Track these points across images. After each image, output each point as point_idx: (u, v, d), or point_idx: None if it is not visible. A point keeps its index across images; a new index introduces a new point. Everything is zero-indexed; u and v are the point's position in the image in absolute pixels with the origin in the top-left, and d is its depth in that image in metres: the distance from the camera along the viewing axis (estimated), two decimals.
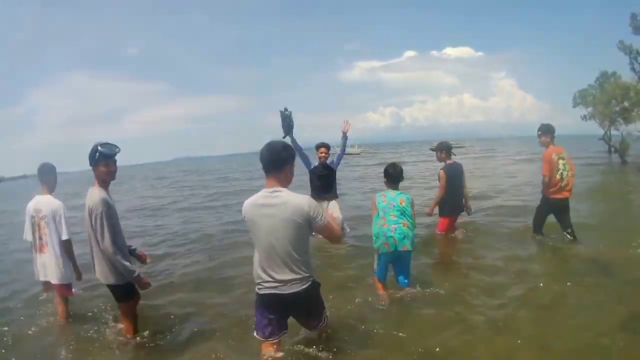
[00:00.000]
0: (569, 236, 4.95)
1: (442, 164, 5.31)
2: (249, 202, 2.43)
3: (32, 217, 3.58)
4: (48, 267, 3.57)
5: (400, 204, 3.52)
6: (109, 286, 3.01)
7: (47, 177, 3.63)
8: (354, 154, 43.60)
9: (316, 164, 5.59)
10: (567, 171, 4.84)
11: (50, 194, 3.61)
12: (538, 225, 5.19)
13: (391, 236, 3.46)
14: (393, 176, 3.68)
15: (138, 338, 3.14)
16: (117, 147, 2.94)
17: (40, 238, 3.56)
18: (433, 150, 5.48)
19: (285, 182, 2.42)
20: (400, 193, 3.61)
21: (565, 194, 4.89)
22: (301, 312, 2.57)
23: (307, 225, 2.35)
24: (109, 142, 2.92)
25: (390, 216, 3.49)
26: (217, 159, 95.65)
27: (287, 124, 5.00)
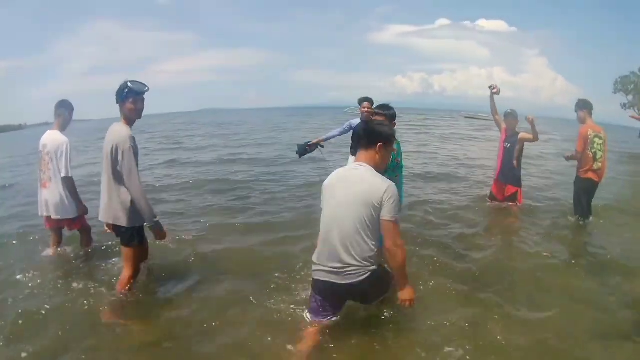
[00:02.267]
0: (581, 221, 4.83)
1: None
2: (335, 172, 2.35)
3: (40, 151, 3.55)
4: (49, 202, 3.53)
5: (394, 159, 3.32)
6: (115, 227, 2.83)
7: (61, 111, 3.57)
8: None
9: (358, 120, 5.19)
10: (602, 152, 4.63)
11: (61, 131, 3.55)
12: (580, 210, 4.87)
13: None
14: (389, 116, 3.38)
15: (133, 289, 2.96)
16: (146, 86, 2.82)
17: (44, 173, 3.53)
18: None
19: (373, 161, 2.26)
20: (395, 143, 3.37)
21: (593, 176, 4.68)
22: (356, 299, 2.41)
23: (378, 211, 2.14)
24: (138, 80, 2.81)
25: (396, 176, 3.32)
26: (245, 112, 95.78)
27: (302, 151, 5.29)
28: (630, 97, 30.87)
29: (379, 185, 2.15)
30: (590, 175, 4.69)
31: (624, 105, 31.26)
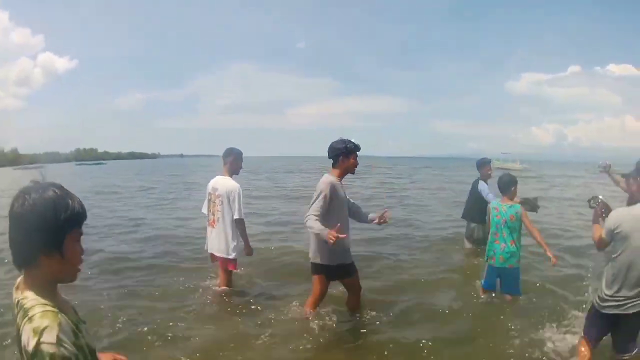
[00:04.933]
0: None
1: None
2: (628, 213, 2.46)
3: (209, 194, 3.92)
4: (215, 240, 3.90)
5: (511, 220, 3.74)
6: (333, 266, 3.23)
7: (228, 159, 3.92)
8: (515, 170, 34.02)
9: (483, 184, 5.20)
10: None
11: (231, 176, 3.91)
12: None
13: (500, 254, 3.76)
14: (499, 185, 3.91)
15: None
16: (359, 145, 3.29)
17: (213, 214, 3.89)
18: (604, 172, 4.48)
19: None
20: (511, 207, 3.79)
21: None
22: (625, 333, 2.57)
23: None
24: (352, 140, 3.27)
25: (502, 233, 3.75)
26: (385, 159, 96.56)
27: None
28: None
29: None
30: None
31: None
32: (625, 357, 2.54)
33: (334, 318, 3.48)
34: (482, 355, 3.08)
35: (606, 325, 2.58)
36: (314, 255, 3.24)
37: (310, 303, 3.41)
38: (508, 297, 3.91)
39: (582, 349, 2.70)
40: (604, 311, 2.50)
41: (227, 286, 4.06)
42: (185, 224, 7.93)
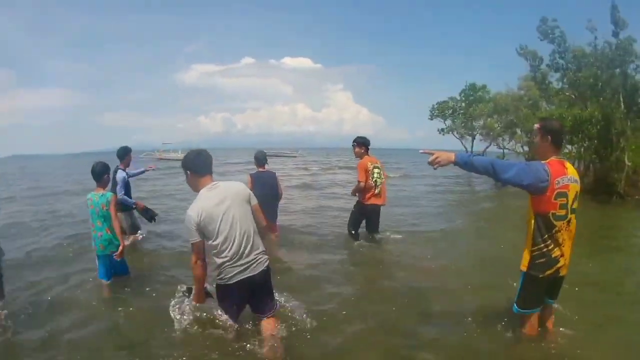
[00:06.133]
0: (374, 236, 5.54)
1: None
2: (201, 205, 2.52)
3: None
4: None
5: (102, 208, 3.79)
6: None
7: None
8: (176, 159, 33.27)
9: (127, 172, 5.29)
10: (381, 179, 5.31)
11: None
12: (354, 229, 5.58)
13: (99, 242, 3.84)
14: (92, 175, 3.88)
15: None
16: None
17: None
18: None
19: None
20: (102, 196, 3.84)
21: (378, 201, 5.35)
22: (263, 292, 2.73)
23: (250, 204, 2.72)
24: None
25: (97, 222, 3.81)
26: (53, 158, 76.77)
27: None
28: (448, 122, 33.70)
29: (241, 187, 2.76)
30: (373, 200, 5.33)
31: (441, 130, 33.97)
32: (268, 316, 2.71)
33: None
34: None
35: (241, 294, 2.65)
36: None
37: None
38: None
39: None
40: (233, 281, 2.56)
41: None
42: None
